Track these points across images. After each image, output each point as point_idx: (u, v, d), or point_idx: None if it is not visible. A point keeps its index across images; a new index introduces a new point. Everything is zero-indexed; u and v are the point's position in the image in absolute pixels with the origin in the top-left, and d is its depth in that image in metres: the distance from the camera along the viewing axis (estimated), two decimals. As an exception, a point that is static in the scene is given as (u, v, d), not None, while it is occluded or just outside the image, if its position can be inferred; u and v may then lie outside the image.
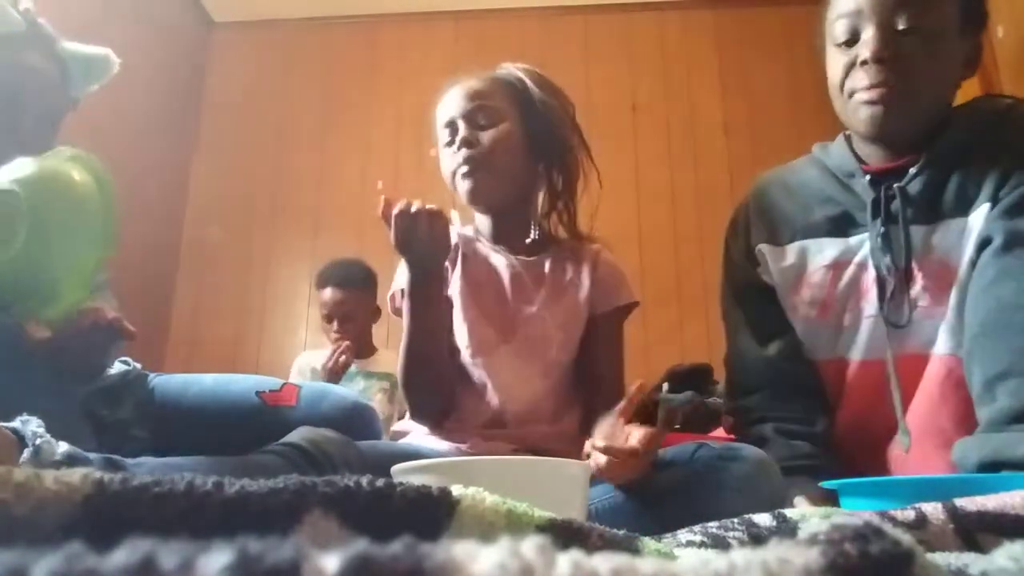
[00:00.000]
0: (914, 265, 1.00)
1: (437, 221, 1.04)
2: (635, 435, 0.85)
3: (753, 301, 1.16)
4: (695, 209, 2.96)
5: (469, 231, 1.29)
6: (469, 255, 1.24)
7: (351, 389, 1.90)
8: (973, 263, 0.96)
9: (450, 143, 1.20)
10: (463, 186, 1.18)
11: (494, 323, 1.19)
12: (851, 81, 1.01)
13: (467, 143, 1.16)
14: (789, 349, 1.11)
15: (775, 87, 3.05)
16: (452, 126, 1.21)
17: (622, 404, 0.91)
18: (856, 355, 1.05)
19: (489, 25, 3.19)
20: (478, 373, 1.17)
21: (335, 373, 2.18)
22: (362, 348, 2.36)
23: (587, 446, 0.88)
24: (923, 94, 1.00)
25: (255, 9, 3.30)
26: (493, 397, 1.15)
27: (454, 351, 1.19)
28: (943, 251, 0.99)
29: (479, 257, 1.25)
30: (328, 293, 2.33)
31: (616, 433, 0.88)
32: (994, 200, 0.96)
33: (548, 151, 1.23)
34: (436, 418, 1.17)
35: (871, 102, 0.99)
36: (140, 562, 0.17)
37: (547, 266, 1.23)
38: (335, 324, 2.31)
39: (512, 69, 1.26)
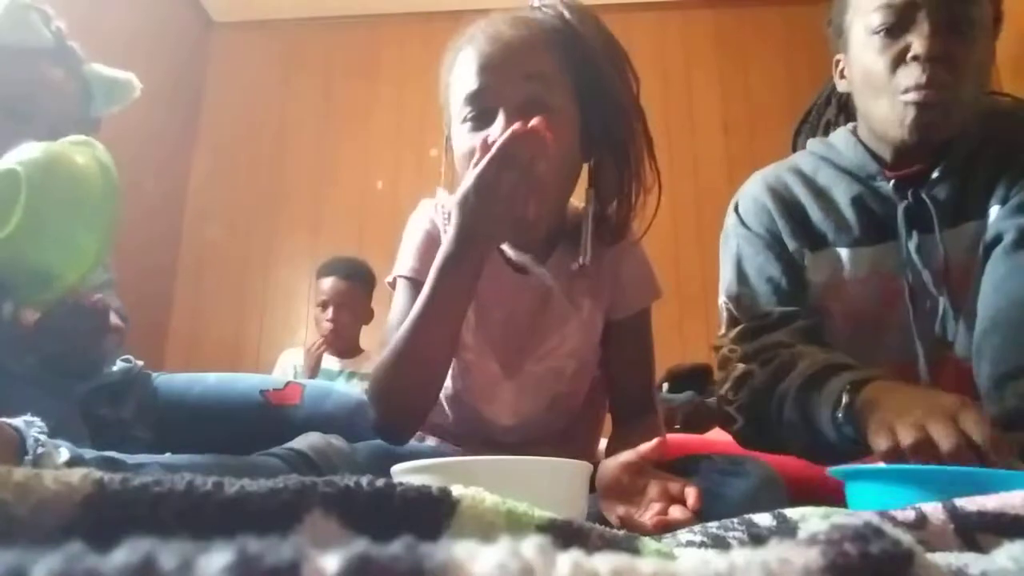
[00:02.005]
0: (949, 271, 0.97)
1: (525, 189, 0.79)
2: (648, 514, 0.72)
3: (782, 261, 1.03)
4: (695, 209, 2.96)
5: None
6: None
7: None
8: (985, 262, 0.95)
9: (476, 126, 0.90)
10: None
11: (499, 356, 0.98)
12: (899, 78, 0.93)
13: None
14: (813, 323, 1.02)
15: (775, 87, 3.05)
16: (482, 105, 0.89)
17: (628, 456, 0.76)
18: (890, 359, 1.00)
19: (489, 25, 3.19)
20: (472, 406, 1.01)
21: (315, 358, 2.31)
22: (349, 348, 2.39)
23: (603, 506, 0.77)
24: (967, 98, 0.94)
25: (255, 9, 3.31)
26: (489, 428, 1.03)
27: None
28: (966, 254, 0.97)
29: (489, 269, 0.93)
30: (329, 282, 2.38)
31: (625, 488, 0.75)
32: (1006, 199, 0.95)
33: (604, 141, 0.95)
34: (408, 431, 0.96)
35: (924, 104, 0.91)
36: (140, 562, 0.17)
37: (562, 276, 0.97)
38: (330, 312, 2.33)
39: (559, 7, 0.94)
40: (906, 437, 0.69)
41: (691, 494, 0.72)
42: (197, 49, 3.31)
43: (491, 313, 0.98)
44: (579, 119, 0.94)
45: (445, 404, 1.03)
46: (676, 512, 0.70)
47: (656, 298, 1.06)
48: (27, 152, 0.87)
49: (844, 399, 0.81)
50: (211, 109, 3.30)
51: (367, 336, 2.48)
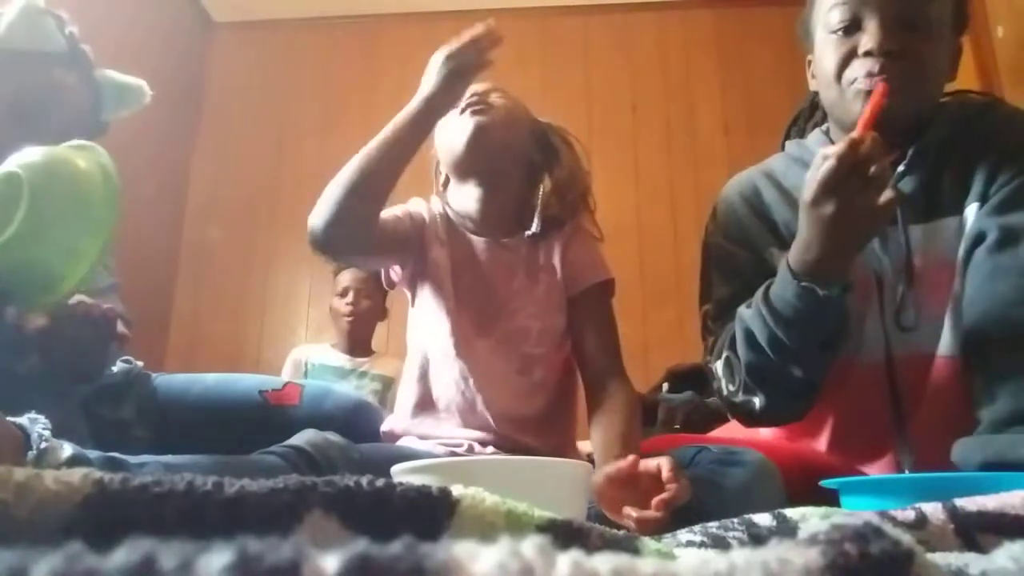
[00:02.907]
0: (915, 265, 0.98)
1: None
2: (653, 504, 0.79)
3: (757, 265, 1.06)
4: (695, 209, 2.95)
5: (439, 208, 1.23)
6: (453, 237, 1.19)
7: (344, 386, 1.95)
8: (967, 261, 0.95)
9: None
10: (469, 125, 1.12)
11: (472, 316, 1.15)
12: (849, 71, 0.97)
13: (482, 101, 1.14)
14: None
15: (775, 87, 3.04)
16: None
17: (612, 471, 0.84)
18: (871, 353, 1.01)
19: (489, 25, 3.19)
20: (456, 371, 1.12)
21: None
22: (360, 347, 2.39)
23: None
24: (922, 91, 0.97)
25: (255, 9, 3.30)
26: (473, 396, 1.12)
27: (420, 349, 1.16)
28: (941, 250, 0.97)
29: (462, 240, 1.20)
30: (349, 272, 2.37)
31: (617, 499, 0.82)
32: (984, 196, 0.95)
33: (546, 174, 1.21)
34: (340, 241, 1.07)
35: (870, 92, 0.93)
36: (140, 562, 0.17)
37: (522, 250, 1.19)
38: (349, 296, 2.33)
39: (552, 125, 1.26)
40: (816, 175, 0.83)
41: (664, 465, 0.80)
42: (197, 49, 3.31)
43: (463, 279, 1.16)
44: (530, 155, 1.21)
45: (438, 362, 1.15)
46: (664, 495, 0.77)
47: (607, 278, 1.20)
48: (29, 155, 0.87)
49: (787, 264, 0.89)
50: (211, 109, 3.30)
51: (378, 340, 2.49)
